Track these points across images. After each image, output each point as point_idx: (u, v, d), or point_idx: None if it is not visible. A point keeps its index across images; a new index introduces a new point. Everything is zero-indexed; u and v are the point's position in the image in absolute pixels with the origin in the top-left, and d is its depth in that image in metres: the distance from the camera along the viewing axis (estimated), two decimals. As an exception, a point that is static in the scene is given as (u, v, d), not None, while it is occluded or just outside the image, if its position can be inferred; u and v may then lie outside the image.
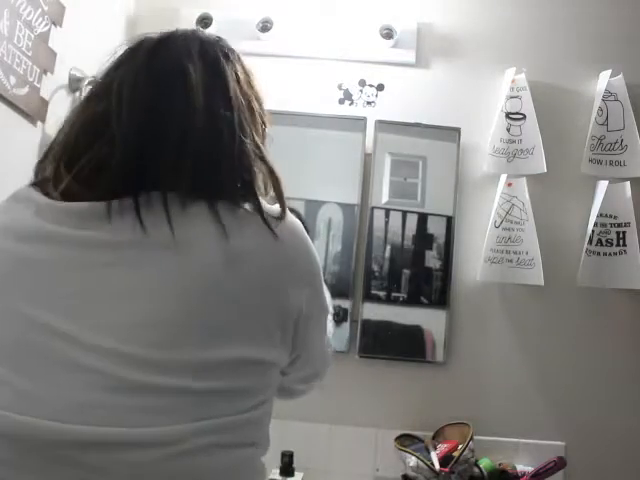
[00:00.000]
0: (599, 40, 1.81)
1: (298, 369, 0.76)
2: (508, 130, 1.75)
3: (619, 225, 1.70)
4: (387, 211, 1.73)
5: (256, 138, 0.72)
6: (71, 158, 0.67)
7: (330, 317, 0.82)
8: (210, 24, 1.76)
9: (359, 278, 1.69)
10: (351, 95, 1.82)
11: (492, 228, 1.70)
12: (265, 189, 0.71)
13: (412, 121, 1.77)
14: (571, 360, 1.68)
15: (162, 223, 0.62)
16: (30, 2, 1.28)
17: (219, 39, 0.77)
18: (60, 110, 1.43)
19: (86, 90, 1.46)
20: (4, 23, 1.20)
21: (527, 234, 1.69)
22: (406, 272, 1.71)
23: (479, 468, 1.51)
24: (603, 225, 1.70)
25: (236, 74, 0.74)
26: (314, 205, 1.72)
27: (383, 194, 1.74)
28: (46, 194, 0.67)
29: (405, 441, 1.56)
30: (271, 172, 0.71)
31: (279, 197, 0.70)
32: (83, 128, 0.69)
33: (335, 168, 1.75)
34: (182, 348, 0.59)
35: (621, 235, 1.70)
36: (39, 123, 1.38)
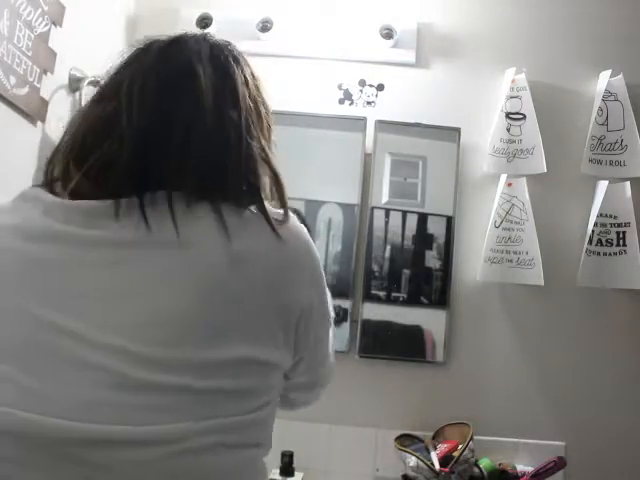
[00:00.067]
0: (599, 40, 1.81)
1: (300, 373, 0.76)
2: (508, 130, 1.75)
3: (619, 225, 1.70)
4: (387, 211, 1.73)
5: (262, 141, 0.73)
6: (80, 156, 0.67)
7: (332, 330, 0.82)
8: (210, 24, 1.76)
9: (359, 278, 1.69)
10: (351, 95, 1.82)
11: (492, 228, 1.70)
12: (270, 192, 0.72)
13: (412, 121, 1.77)
14: (571, 360, 1.68)
15: (167, 223, 0.62)
16: (30, 2, 1.28)
17: (228, 43, 0.77)
18: (60, 110, 1.43)
19: (86, 90, 1.46)
20: (4, 23, 1.19)
21: (527, 234, 1.69)
22: (406, 272, 1.71)
23: (479, 468, 1.51)
24: (603, 225, 1.70)
25: (245, 77, 0.75)
26: (314, 205, 1.72)
27: (383, 194, 1.74)
28: (54, 194, 0.67)
29: (405, 441, 1.56)
30: (276, 176, 0.72)
31: (282, 201, 0.71)
32: (92, 127, 0.69)
33: (335, 168, 1.75)
34: (186, 347, 0.60)
35: (621, 235, 1.70)
36: (39, 123, 1.38)
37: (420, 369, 1.68)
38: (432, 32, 1.84)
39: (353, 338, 1.67)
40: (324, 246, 1.70)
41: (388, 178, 1.75)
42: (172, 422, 0.57)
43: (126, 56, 0.73)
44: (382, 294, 1.69)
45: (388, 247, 1.72)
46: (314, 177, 1.73)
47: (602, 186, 1.70)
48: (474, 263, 1.72)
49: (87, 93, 1.45)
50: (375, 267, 1.70)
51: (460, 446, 1.47)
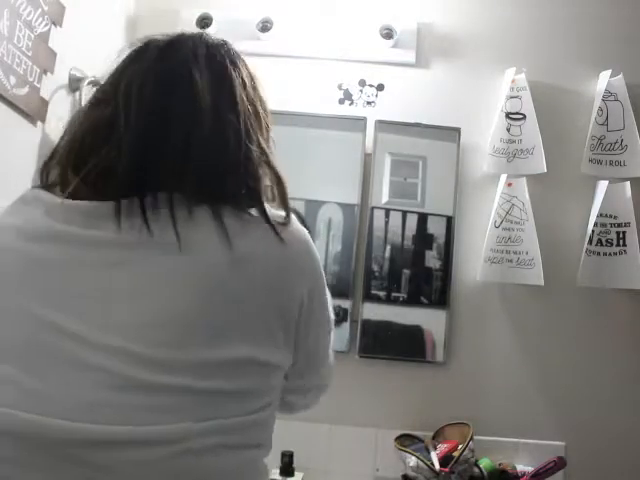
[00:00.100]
0: (599, 40, 1.81)
1: (298, 375, 0.75)
2: (508, 130, 1.75)
3: (619, 225, 1.70)
4: (387, 211, 1.73)
5: (262, 143, 0.73)
6: (78, 162, 0.67)
7: (332, 332, 0.81)
8: (210, 24, 1.76)
9: (359, 278, 1.69)
10: (351, 95, 1.82)
11: (492, 228, 1.70)
12: (272, 194, 0.72)
13: (412, 121, 1.77)
14: (571, 360, 1.68)
15: (167, 225, 0.62)
16: (30, 2, 1.28)
17: (225, 43, 0.77)
18: (60, 110, 1.43)
19: (86, 90, 1.46)
20: (4, 23, 1.19)
21: (527, 234, 1.69)
22: (406, 272, 1.71)
23: (479, 468, 1.51)
24: (603, 225, 1.70)
25: (242, 78, 0.74)
26: (314, 205, 1.72)
27: (383, 194, 1.74)
28: (53, 193, 0.67)
29: (405, 441, 1.56)
30: (277, 177, 0.72)
31: (284, 203, 0.71)
32: (90, 131, 0.69)
33: (335, 168, 1.75)
34: (188, 348, 0.60)
35: (621, 235, 1.70)
36: (39, 123, 1.38)
37: (420, 369, 1.68)
38: (432, 32, 1.84)
39: (353, 338, 1.67)
40: (324, 246, 1.70)
41: (388, 178, 1.75)
42: (174, 422, 0.57)
43: (124, 56, 0.73)
44: (382, 294, 1.69)
45: (388, 247, 1.72)
46: (314, 177, 1.73)
47: (602, 186, 1.70)
48: (474, 263, 1.72)
49: (87, 93, 1.45)
50: (375, 267, 1.70)
51: (460, 446, 1.47)
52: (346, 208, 1.73)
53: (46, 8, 1.35)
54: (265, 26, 1.79)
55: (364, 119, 1.77)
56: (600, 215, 1.69)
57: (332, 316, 0.80)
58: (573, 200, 1.75)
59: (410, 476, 1.46)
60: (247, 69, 0.77)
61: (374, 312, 1.68)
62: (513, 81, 1.77)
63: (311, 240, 0.73)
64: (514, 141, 1.75)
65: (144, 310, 0.60)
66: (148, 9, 1.85)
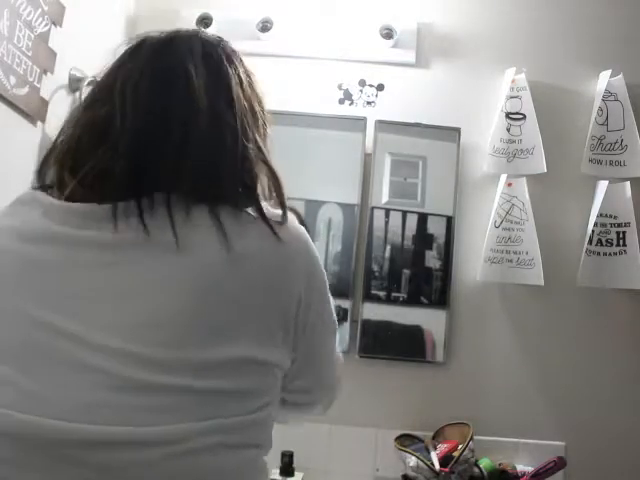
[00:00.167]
0: (599, 40, 1.81)
1: (297, 374, 0.74)
2: (508, 130, 1.75)
3: (619, 225, 1.70)
4: (387, 211, 1.73)
5: (259, 141, 0.72)
6: (75, 164, 0.67)
7: (337, 334, 0.81)
8: (210, 24, 1.76)
9: (359, 278, 1.69)
10: (351, 95, 1.82)
11: (492, 228, 1.70)
12: (269, 192, 0.71)
13: (412, 121, 1.77)
14: (571, 360, 1.68)
15: (165, 225, 0.62)
16: (30, 2, 1.28)
17: (221, 40, 0.77)
18: (60, 110, 1.43)
19: (86, 90, 1.46)
20: (4, 23, 1.19)
21: (527, 234, 1.69)
22: (406, 272, 1.71)
23: (479, 468, 1.51)
24: (603, 225, 1.70)
25: (238, 76, 0.74)
26: (314, 205, 1.72)
27: (383, 194, 1.74)
28: (51, 194, 0.67)
29: (405, 441, 1.56)
30: (273, 175, 0.72)
31: (281, 201, 0.70)
32: (86, 131, 0.69)
33: (335, 168, 1.75)
34: (186, 347, 0.60)
35: (621, 235, 1.70)
36: (39, 123, 1.38)
37: (420, 369, 1.68)
38: (432, 32, 1.84)
39: (353, 338, 1.67)
40: (324, 246, 1.70)
41: (388, 178, 1.75)
42: (173, 423, 0.57)
43: (119, 55, 0.73)
44: (382, 294, 1.69)
45: (388, 247, 1.72)
46: (314, 177, 1.73)
47: (602, 186, 1.70)
48: (474, 263, 1.72)
49: (87, 93, 1.45)
50: (375, 267, 1.70)
51: (460, 446, 1.47)
52: (346, 208, 1.73)
53: (46, 8, 1.35)
54: (265, 26, 1.79)
55: (364, 119, 1.77)
56: (600, 215, 1.69)
57: (334, 317, 0.79)
58: (573, 200, 1.75)
59: (410, 476, 1.46)
60: (244, 66, 0.77)
61: (374, 312, 1.68)
62: (513, 81, 1.77)
63: (309, 238, 0.73)
64: (514, 141, 1.75)
65: (142, 310, 0.60)
66: (148, 9, 1.85)
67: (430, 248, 1.72)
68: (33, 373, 0.57)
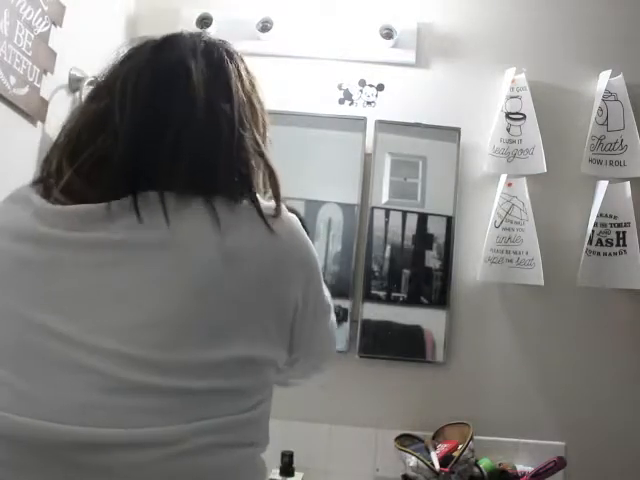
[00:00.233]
0: (599, 40, 1.81)
1: (296, 362, 0.75)
2: (508, 130, 1.75)
3: (619, 225, 1.70)
4: (387, 211, 1.73)
5: (256, 134, 0.72)
6: (74, 152, 0.67)
7: (332, 315, 0.81)
8: (210, 24, 1.76)
9: (359, 278, 1.69)
10: (351, 95, 1.82)
11: (492, 228, 1.70)
12: (264, 186, 0.71)
13: (412, 121, 1.77)
14: (571, 360, 1.68)
15: (160, 223, 0.62)
16: (30, 2, 1.28)
17: (224, 42, 0.77)
18: (60, 110, 1.43)
19: (86, 90, 1.46)
20: (4, 23, 1.19)
21: (527, 234, 1.69)
22: (406, 272, 1.71)
23: (479, 468, 1.51)
24: (603, 225, 1.70)
25: (238, 72, 0.75)
26: (314, 205, 1.72)
27: (383, 194, 1.74)
28: (47, 191, 0.67)
29: (405, 441, 1.56)
30: (269, 168, 0.72)
31: (275, 193, 0.70)
32: (86, 123, 0.69)
33: (335, 168, 1.75)
34: (183, 348, 0.59)
35: (621, 235, 1.70)
36: (39, 123, 1.38)
37: (420, 369, 1.68)
38: (432, 32, 1.84)
39: (353, 338, 1.67)
40: (324, 246, 1.70)
41: (388, 178, 1.75)
42: (168, 424, 0.57)
43: (121, 54, 0.73)
44: (382, 294, 1.69)
45: (388, 247, 1.72)
46: (314, 177, 1.73)
47: (602, 186, 1.70)
48: (474, 263, 1.72)
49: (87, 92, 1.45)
50: (375, 267, 1.70)
51: (460, 446, 1.47)
52: (346, 208, 1.73)
53: (46, 8, 1.35)
54: (265, 26, 1.79)
55: (364, 119, 1.77)
56: (600, 215, 1.69)
57: (328, 299, 0.79)
58: (573, 200, 1.75)
59: (410, 476, 1.46)
60: (245, 65, 0.77)
61: (374, 312, 1.68)
62: (513, 81, 1.77)
63: (302, 229, 0.72)
64: (514, 141, 1.75)
65: (137, 310, 0.59)
66: (148, 9, 1.85)
67: (430, 248, 1.72)
68: (27, 374, 0.56)
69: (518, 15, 1.84)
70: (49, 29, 1.37)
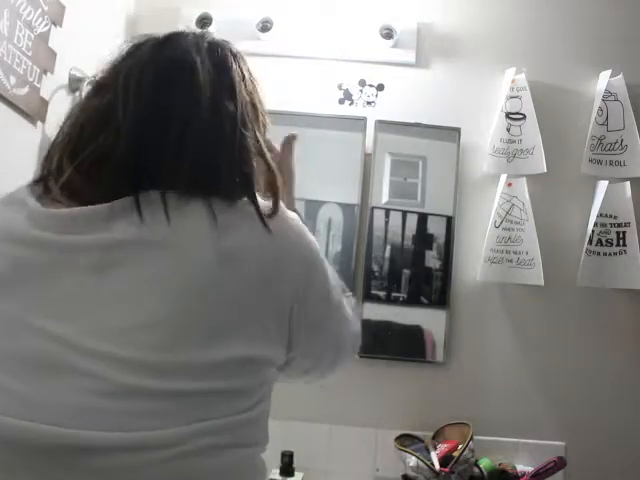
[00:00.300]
0: (599, 40, 1.81)
1: (301, 362, 0.74)
2: (508, 130, 1.75)
3: (619, 225, 1.70)
4: (387, 211, 1.73)
5: (257, 134, 0.72)
6: (75, 149, 0.67)
7: (344, 300, 0.78)
8: (210, 24, 1.76)
9: (359, 278, 1.69)
10: (351, 95, 1.82)
11: (492, 228, 1.70)
12: (265, 186, 0.71)
13: (412, 121, 1.77)
14: (571, 360, 1.68)
15: (161, 223, 0.61)
16: (30, 2, 1.28)
17: (227, 42, 0.77)
18: (60, 110, 1.41)
19: (86, 90, 1.46)
20: (4, 23, 1.19)
21: (527, 234, 1.69)
22: (406, 272, 1.71)
23: (479, 468, 1.51)
24: (603, 225, 1.70)
25: (242, 72, 0.75)
26: (314, 205, 1.72)
27: (383, 194, 1.74)
28: (47, 190, 0.66)
29: (405, 441, 1.56)
30: (270, 169, 0.71)
31: (274, 194, 0.69)
32: (88, 120, 0.69)
33: (335, 168, 1.75)
34: (181, 349, 0.59)
35: (621, 235, 1.70)
36: (39, 123, 1.38)
37: (420, 369, 1.68)
38: (432, 32, 1.84)
39: (353, 338, 1.66)
40: (324, 246, 1.70)
41: (388, 178, 1.75)
42: (166, 427, 0.56)
43: (123, 50, 0.73)
44: (382, 294, 1.69)
45: (388, 247, 1.72)
46: (314, 177, 1.73)
47: (602, 186, 1.70)
48: (474, 263, 1.72)
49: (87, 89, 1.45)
50: (375, 267, 1.70)
51: (460, 446, 1.47)
52: (346, 208, 1.73)
53: (46, 8, 1.35)
54: (265, 26, 1.79)
55: (364, 119, 1.77)
56: (600, 215, 1.69)
57: (338, 295, 0.76)
58: (573, 200, 1.75)
59: (410, 476, 1.46)
60: (247, 66, 0.77)
61: (374, 312, 1.68)
62: (513, 81, 1.77)
63: (304, 227, 0.71)
64: (514, 141, 1.75)
65: (134, 312, 0.59)
66: (148, 9, 1.85)
67: (430, 248, 1.72)
68: (24, 378, 0.56)
69: (518, 15, 1.84)
70: (49, 29, 1.37)
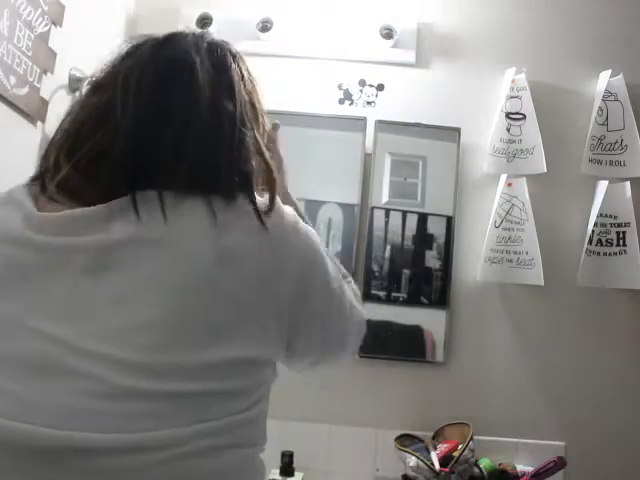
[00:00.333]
0: (599, 40, 1.81)
1: (301, 355, 0.74)
2: (508, 130, 1.75)
3: (619, 225, 1.70)
4: (387, 211, 1.73)
5: (256, 134, 0.72)
6: (72, 147, 0.67)
7: (346, 288, 0.78)
8: (210, 24, 1.76)
9: (359, 278, 1.69)
10: (351, 95, 1.82)
11: (492, 228, 1.70)
12: (263, 186, 0.71)
13: (412, 121, 1.77)
14: (571, 360, 1.68)
15: (158, 222, 0.61)
16: (30, 2, 1.28)
17: (226, 42, 0.78)
18: (60, 110, 1.41)
19: (85, 89, 1.46)
20: (4, 23, 1.19)
21: (527, 234, 1.69)
22: (406, 272, 1.71)
23: (479, 468, 1.51)
24: (603, 225, 1.70)
25: (241, 72, 0.75)
26: (314, 205, 1.72)
27: (383, 194, 1.74)
28: (44, 188, 0.66)
29: (405, 441, 1.56)
30: (268, 168, 0.71)
31: (272, 193, 0.69)
32: (87, 117, 0.69)
33: (335, 168, 1.75)
34: (177, 350, 0.59)
35: (621, 235, 1.70)
36: (39, 123, 1.38)
37: (420, 369, 1.68)
38: (432, 32, 1.84)
39: (353, 338, 1.66)
40: (324, 246, 1.69)
41: (388, 178, 1.75)
42: (160, 428, 0.56)
43: (122, 50, 0.73)
44: (382, 294, 1.69)
45: (388, 247, 1.72)
46: (314, 177, 1.73)
47: (602, 186, 1.70)
48: (474, 263, 1.72)
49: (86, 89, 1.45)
50: (375, 267, 1.70)
51: (460, 446, 1.47)
52: (346, 208, 1.73)
53: (46, 8, 1.35)
54: (265, 26, 1.79)
55: (364, 119, 1.77)
56: (600, 215, 1.69)
57: (340, 287, 0.76)
58: (573, 200, 1.75)
59: (410, 476, 1.46)
60: (246, 66, 0.78)
61: (374, 312, 1.68)
62: (513, 81, 1.77)
63: (301, 222, 0.71)
64: (514, 141, 1.75)
65: (134, 311, 0.59)
66: (148, 9, 1.85)
67: (430, 248, 1.72)
68: (20, 379, 0.56)
69: (518, 15, 1.84)
70: (49, 29, 1.37)
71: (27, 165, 1.30)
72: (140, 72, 0.69)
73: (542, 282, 1.66)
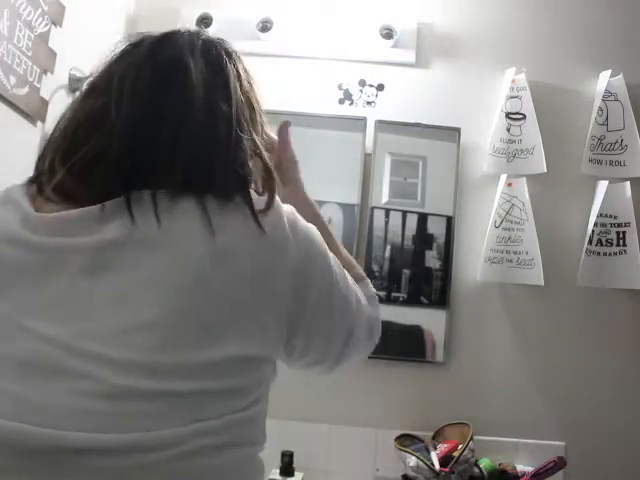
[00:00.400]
0: (599, 40, 1.81)
1: (300, 356, 0.73)
2: (508, 130, 1.75)
3: (619, 225, 1.70)
4: (387, 211, 1.73)
5: (254, 135, 0.72)
6: (68, 151, 0.67)
7: (351, 284, 0.76)
8: (210, 24, 1.76)
9: (359, 278, 1.69)
10: (351, 95, 1.82)
11: (492, 228, 1.70)
12: (262, 187, 0.71)
13: (412, 121, 1.77)
14: (571, 360, 1.68)
15: (152, 223, 0.61)
16: (30, 2, 1.28)
17: (222, 40, 0.77)
18: (60, 110, 1.43)
19: (83, 90, 1.46)
20: (4, 23, 1.20)
21: (527, 234, 1.69)
22: (406, 272, 1.71)
23: (479, 468, 1.51)
24: (603, 225, 1.70)
25: (237, 71, 0.74)
26: (314, 205, 1.71)
27: (383, 194, 1.74)
28: (40, 190, 0.66)
29: (405, 441, 1.56)
30: (267, 170, 0.71)
31: (270, 192, 0.69)
32: (82, 121, 0.69)
33: (335, 168, 1.75)
34: (174, 350, 0.58)
35: (621, 235, 1.70)
36: (39, 123, 1.38)
37: (420, 369, 1.68)
38: (432, 32, 1.84)
39: (353, 338, 1.66)
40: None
41: (388, 178, 1.75)
42: (159, 428, 0.56)
43: (118, 50, 0.73)
44: (382, 294, 1.69)
45: (388, 247, 1.72)
46: (314, 177, 1.71)
47: (602, 186, 1.70)
48: (474, 263, 1.72)
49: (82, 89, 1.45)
50: (375, 267, 1.70)
51: (460, 446, 1.47)
52: (346, 208, 1.73)
53: (46, 8, 1.35)
54: (265, 26, 1.79)
55: (364, 119, 1.77)
56: (600, 215, 1.69)
57: (341, 280, 0.74)
58: (573, 200, 1.75)
59: (410, 476, 1.46)
60: (243, 65, 0.77)
61: (374, 312, 1.68)
62: (513, 81, 1.77)
63: (298, 217, 0.70)
64: (514, 141, 1.75)
65: (132, 312, 0.59)
66: (148, 9, 1.85)
67: (430, 248, 1.72)
68: (18, 379, 0.56)
69: (518, 15, 1.84)
70: (49, 29, 1.37)
71: (27, 165, 1.29)
72: (137, 72, 0.68)
73: (542, 282, 1.66)
